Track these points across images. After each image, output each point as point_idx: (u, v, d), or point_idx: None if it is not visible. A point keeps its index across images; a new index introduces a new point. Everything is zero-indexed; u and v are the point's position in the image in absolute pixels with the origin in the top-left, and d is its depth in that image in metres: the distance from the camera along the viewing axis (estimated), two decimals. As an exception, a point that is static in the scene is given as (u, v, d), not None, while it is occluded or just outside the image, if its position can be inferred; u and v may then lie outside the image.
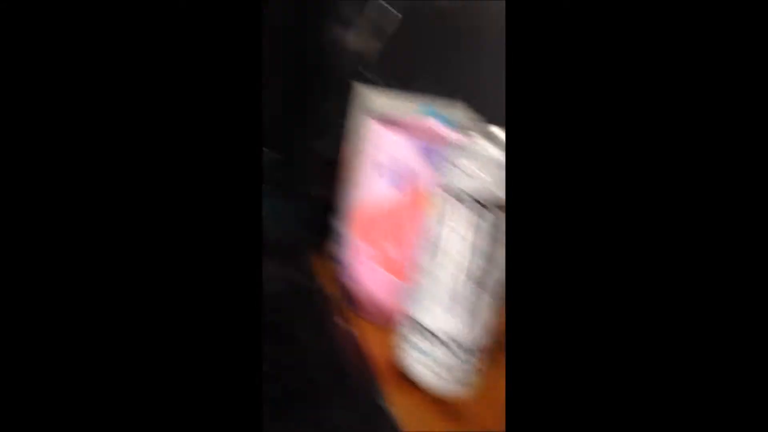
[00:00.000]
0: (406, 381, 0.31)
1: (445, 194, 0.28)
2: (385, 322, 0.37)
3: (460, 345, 0.29)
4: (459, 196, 0.27)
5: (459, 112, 0.49)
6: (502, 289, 0.28)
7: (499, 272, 0.27)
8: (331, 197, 0.46)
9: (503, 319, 0.29)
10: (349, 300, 0.38)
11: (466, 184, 0.26)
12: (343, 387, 0.27)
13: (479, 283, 0.27)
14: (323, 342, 0.32)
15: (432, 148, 0.32)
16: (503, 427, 0.29)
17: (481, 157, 0.26)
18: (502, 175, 0.25)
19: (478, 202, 0.26)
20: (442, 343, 0.29)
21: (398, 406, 0.29)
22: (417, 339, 0.30)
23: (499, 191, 0.26)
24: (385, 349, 0.34)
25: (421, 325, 0.30)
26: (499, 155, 0.26)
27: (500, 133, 0.26)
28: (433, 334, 0.29)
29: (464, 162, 0.26)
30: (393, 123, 0.36)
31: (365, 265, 0.36)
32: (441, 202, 0.28)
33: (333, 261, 0.44)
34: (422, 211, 0.34)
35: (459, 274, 0.27)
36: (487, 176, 0.26)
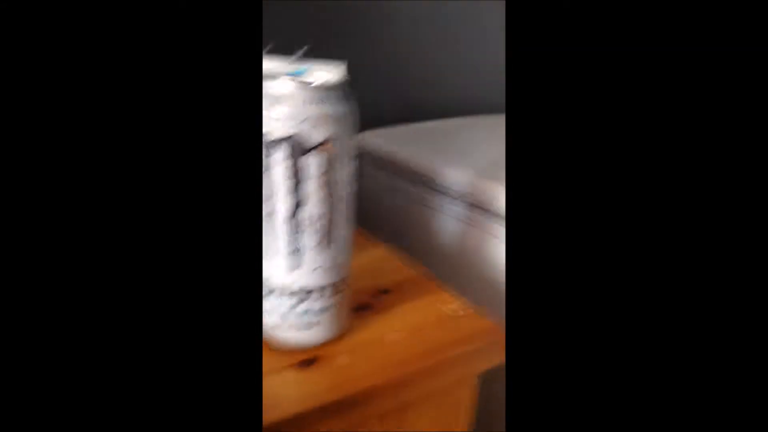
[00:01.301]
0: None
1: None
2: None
3: (294, 292, 0.28)
4: (264, 141, 0.26)
5: (333, 70, 0.47)
6: (318, 224, 0.27)
7: (311, 207, 0.26)
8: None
9: (335, 254, 0.28)
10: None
11: (269, 127, 0.26)
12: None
13: (295, 223, 0.27)
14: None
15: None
16: (362, 366, 0.29)
17: (272, 99, 0.25)
18: (288, 111, 0.25)
19: (270, 141, 0.25)
20: (273, 293, 0.28)
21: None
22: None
23: (286, 129, 0.25)
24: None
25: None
26: (287, 92, 0.25)
27: (322, 75, 0.25)
28: (267, 286, 0.28)
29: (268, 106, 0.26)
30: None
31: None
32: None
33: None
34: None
35: (276, 219, 0.27)
36: (275, 115, 0.25)
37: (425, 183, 0.59)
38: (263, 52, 0.51)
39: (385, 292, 0.38)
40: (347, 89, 0.27)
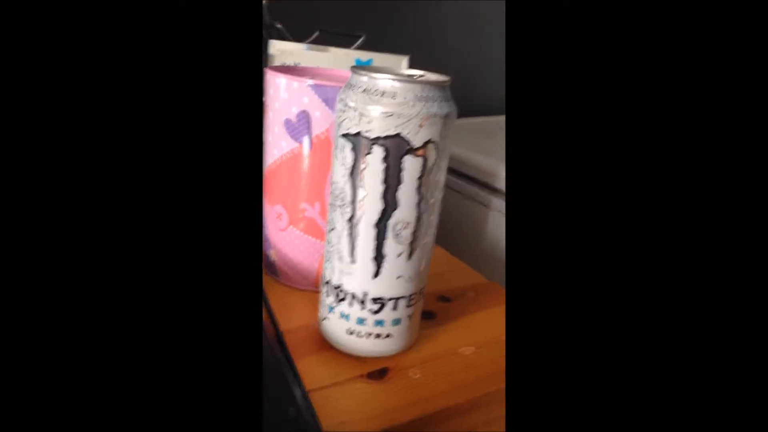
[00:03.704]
0: (327, 347, 0.29)
1: (340, 138, 0.25)
2: (311, 286, 0.34)
3: (374, 299, 0.26)
4: (350, 138, 0.24)
5: (400, 63, 0.46)
6: (406, 231, 0.25)
7: (401, 213, 0.25)
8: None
9: (417, 263, 0.27)
10: (271, 269, 0.36)
11: (354, 124, 0.24)
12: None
13: (383, 228, 0.25)
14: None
15: (326, 92, 0.29)
16: (437, 383, 0.27)
17: (373, 94, 0.23)
18: (392, 108, 0.23)
19: (366, 139, 0.23)
20: (354, 299, 0.26)
21: (318, 375, 0.27)
22: (331, 299, 0.28)
23: (389, 127, 0.23)
24: (309, 316, 0.31)
25: (332, 284, 0.27)
26: (394, 88, 0.23)
27: (409, 71, 0.23)
28: (344, 291, 0.27)
29: (353, 100, 0.24)
30: (286, 70, 0.33)
31: (282, 230, 0.34)
32: (336, 147, 0.25)
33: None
34: (324, 160, 0.31)
35: (362, 222, 0.25)
36: (376, 112, 0.23)
37: (477, 180, 0.56)
38: (311, 41, 0.48)
39: (447, 299, 0.36)
40: (449, 89, 0.25)
